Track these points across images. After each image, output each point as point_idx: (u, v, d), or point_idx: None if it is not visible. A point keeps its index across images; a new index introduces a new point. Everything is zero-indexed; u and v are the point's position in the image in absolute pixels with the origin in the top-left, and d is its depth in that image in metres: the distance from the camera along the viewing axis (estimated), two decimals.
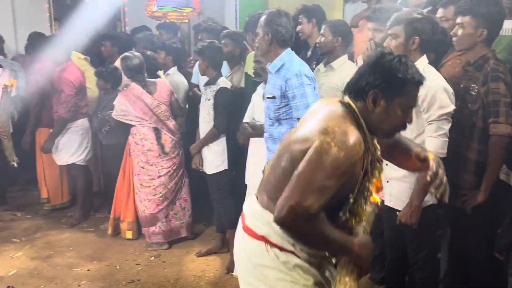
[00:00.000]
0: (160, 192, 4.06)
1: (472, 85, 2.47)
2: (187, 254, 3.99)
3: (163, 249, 4.04)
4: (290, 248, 1.67)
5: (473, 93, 2.47)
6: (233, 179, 3.78)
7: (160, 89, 4.03)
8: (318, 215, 1.51)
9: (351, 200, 1.63)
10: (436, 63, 2.80)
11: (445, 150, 2.41)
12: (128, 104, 3.96)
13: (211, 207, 4.10)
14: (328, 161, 1.48)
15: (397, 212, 2.51)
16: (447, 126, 2.42)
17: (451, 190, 1.81)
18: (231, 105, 3.66)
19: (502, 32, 2.81)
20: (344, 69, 3.23)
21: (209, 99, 3.70)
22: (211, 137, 3.73)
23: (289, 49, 2.88)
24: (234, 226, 3.58)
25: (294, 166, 1.56)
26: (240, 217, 1.87)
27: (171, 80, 4.31)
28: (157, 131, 4.01)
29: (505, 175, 2.46)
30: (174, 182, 4.09)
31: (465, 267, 2.71)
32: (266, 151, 3.18)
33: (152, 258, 3.93)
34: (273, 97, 2.83)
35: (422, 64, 2.50)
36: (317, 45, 3.49)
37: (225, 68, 4.02)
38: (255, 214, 1.75)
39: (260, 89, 3.44)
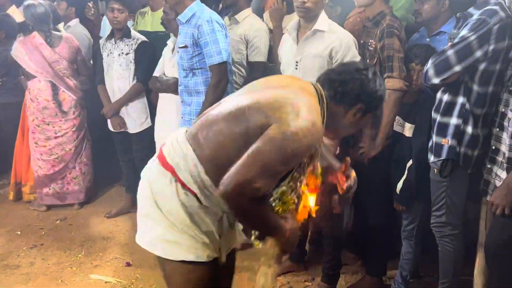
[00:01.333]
0: (57, 153, 3.85)
1: (370, 41, 2.55)
2: (96, 215, 3.86)
3: (40, 210, 3.90)
4: (195, 190, 1.57)
5: (371, 48, 2.55)
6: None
7: (65, 44, 3.75)
8: (264, 197, 1.50)
9: (284, 188, 1.58)
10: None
11: None
12: (25, 53, 3.67)
13: (115, 167, 3.97)
14: (291, 147, 1.43)
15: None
16: None
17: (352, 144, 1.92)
18: (153, 60, 3.53)
19: None
20: (248, 22, 3.19)
21: (126, 53, 3.50)
22: (135, 93, 3.57)
23: (198, 0, 2.83)
24: None
25: (247, 136, 1.48)
26: (160, 146, 1.75)
27: (72, 33, 4.02)
28: (54, 88, 3.75)
29: (400, 126, 2.59)
30: (73, 145, 3.88)
31: (365, 217, 2.87)
32: (177, 106, 3.13)
33: (58, 221, 3.77)
34: (185, 46, 2.79)
35: (327, 20, 2.53)
36: None
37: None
38: (174, 144, 1.63)
39: (170, 43, 3.32)
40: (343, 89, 1.60)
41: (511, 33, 2.13)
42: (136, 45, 3.49)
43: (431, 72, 2.21)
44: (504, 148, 2.17)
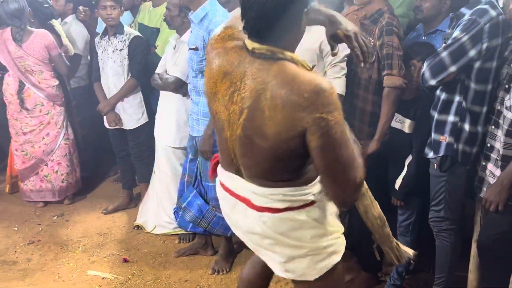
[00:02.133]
0: (26, 150, 3.84)
1: (368, 38, 2.56)
2: (93, 211, 3.87)
3: (38, 206, 3.91)
4: (311, 198, 1.55)
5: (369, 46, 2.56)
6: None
7: (34, 40, 3.63)
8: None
9: None
10: None
11: (345, 89, 2.60)
12: None
13: (111, 164, 3.98)
14: (340, 131, 1.32)
15: None
16: (345, 67, 2.57)
17: None
18: (148, 55, 3.53)
19: None
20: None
21: (120, 50, 3.49)
22: (130, 89, 3.55)
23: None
24: (147, 180, 3.59)
25: (290, 150, 1.39)
26: (234, 199, 1.65)
27: (68, 29, 4.01)
28: (21, 83, 3.71)
29: (399, 123, 2.61)
30: (43, 142, 3.82)
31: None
32: (176, 104, 3.20)
33: (55, 217, 3.77)
34: (196, 48, 2.73)
35: None
36: None
37: (128, 17, 3.84)
38: (267, 195, 1.55)
39: (172, 40, 3.31)
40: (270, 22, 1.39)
41: (504, 30, 2.16)
42: (129, 40, 3.47)
43: (427, 74, 2.24)
44: (498, 145, 2.19)
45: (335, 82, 2.54)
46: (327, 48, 2.51)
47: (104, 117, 3.65)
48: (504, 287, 2.25)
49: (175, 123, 3.26)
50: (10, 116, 3.78)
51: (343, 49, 2.49)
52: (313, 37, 2.53)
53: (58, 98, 3.81)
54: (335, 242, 1.66)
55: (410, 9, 3.02)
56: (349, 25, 1.61)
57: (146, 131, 3.64)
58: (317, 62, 2.54)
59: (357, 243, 3.03)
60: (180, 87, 3.19)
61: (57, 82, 3.79)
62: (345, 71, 2.56)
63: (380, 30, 2.50)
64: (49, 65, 3.74)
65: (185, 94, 3.19)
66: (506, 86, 2.14)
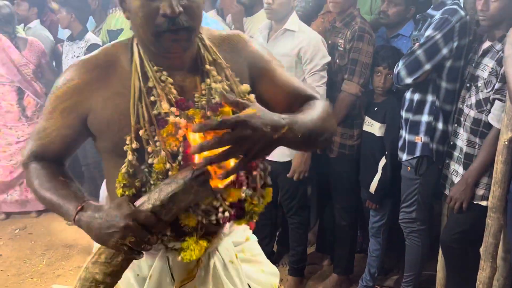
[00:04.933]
0: (17, 159, 3.71)
1: (340, 41, 2.59)
2: (57, 223, 3.73)
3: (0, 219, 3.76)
4: None
5: (341, 48, 2.59)
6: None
7: (31, 47, 3.64)
8: (28, 164, 1.23)
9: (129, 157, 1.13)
10: None
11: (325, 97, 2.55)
12: None
13: (80, 173, 3.85)
14: (48, 99, 1.21)
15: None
16: (326, 75, 2.55)
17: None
18: None
19: None
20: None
21: (77, 56, 3.41)
22: None
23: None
24: None
25: None
26: None
27: (33, 34, 3.90)
28: (20, 92, 3.62)
29: (369, 126, 2.64)
30: None
31: (332, 216, 2.90)
32: None
33: (17, 230, 3.62)
34: None
35: (297, 21, 2.56)
36: None
37: (90, 23, 3.75)
38: None
39: None
40: None
41: (470, 30, 2.24)
42: (86, 48, 3.41)
43: (403, 73, 2.28)
44: (460, 143, 2.25)
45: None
46: (306, 55, 2.51)
47: None
48: (468, 285, 2.31)
49: None
50: (2, 126, 3.65)
51: (323, 57, 2.52)
52: (292, 43, 2.54)
53: None
54: None
55: (371, 13, 3.07)
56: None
57: None
58: (295, 68, 2.53)
59: (328, 246, 3.05)
60: None
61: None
62: (325, 79, 2.54)
63: (352, 34, 2.53)
64: (40, 71, 3.72)
65: None
66: (468, 85, 2.22)
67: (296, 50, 2.52)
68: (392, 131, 2.52)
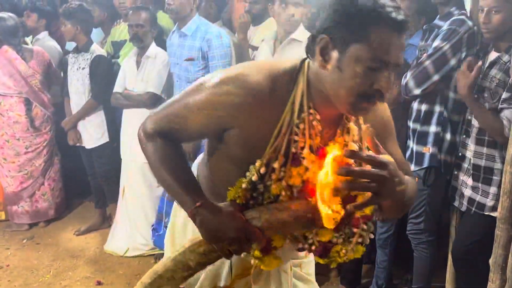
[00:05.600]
0: (26, 170, 3.73)
1: None
2: (65, 233, 3.74)
3: (22, 230, 3.75)
4: None
5: None
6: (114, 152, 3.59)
7: (37, 57, 3.66)
8: (155, 136, 1.24)
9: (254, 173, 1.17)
10: None
11: None
12: None
13: (86, 183, 3.87)
14: (197, 92, 1.19)
15: None
16: None
17: None
18: (110, 75, 3.45)
19: None
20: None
21: (83, 68, 3.44)
22: (89, 109, 3.49)
23: (197, 14, 2.97)
24: (116, 200, 3.51)
25: None
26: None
27: (41, 46, 3.92)
28: (27, 103, 3.65)
29: None
30: (43, 160, 3.77)
31: None
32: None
33: (24, 240, 3.63)
34: (192, 59, 2.87)
35: (304, 31, 2.58)
36: None
37: (98, 34, 3.78)
38: None
39: (133, 56, 3.27)
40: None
41: (477, 40, 2.24)
42: (91, 60, 3.42)
43: (411, 84, 2.28)
44: (469, 154, 2.23)
45: None
46: None
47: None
48: None
49: None
50: (10, 137, 3.66)
51: None
52: (298, 52, 2.52)
53: (54, 115, 3.80)
54: None
55: None
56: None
57: (109, 150, 3.58)
58: None
59: None
60: (157, 101, 3.16)
61: (58, 98, 3.81)
62: None
63: None
64: (47, 82, 3.75)
65: None
66: (475, 96, 2.19)
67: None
68: (400, 142, 2.49)
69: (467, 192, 2.25)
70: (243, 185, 1.17)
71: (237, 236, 1.11)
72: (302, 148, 1.15)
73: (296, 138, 1.15)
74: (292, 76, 1.17)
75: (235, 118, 1.15)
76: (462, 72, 2.14)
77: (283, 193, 1.17)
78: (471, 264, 2.30)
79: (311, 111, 1.15)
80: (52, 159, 3.85)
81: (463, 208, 2.29)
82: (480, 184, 2.21)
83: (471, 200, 2.25)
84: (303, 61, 1.18)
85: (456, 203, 2.33)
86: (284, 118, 1.15)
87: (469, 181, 2.23)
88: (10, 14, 3.59)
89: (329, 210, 1.09)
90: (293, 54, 2.55)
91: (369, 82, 1.05)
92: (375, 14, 1.03)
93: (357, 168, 1.03)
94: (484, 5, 2.07)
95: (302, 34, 2.58)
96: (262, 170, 1.16)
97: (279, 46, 2.62)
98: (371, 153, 1.05)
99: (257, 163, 1.17)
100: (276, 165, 1.15)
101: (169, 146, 1.24)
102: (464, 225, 2.29)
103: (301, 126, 1.15)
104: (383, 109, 1.30)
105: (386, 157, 1.04)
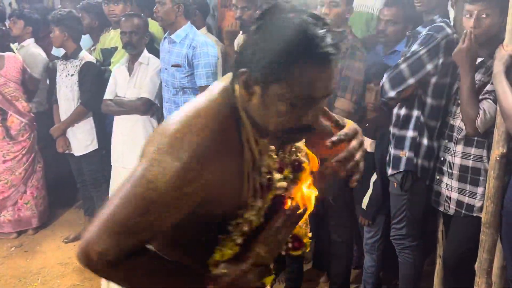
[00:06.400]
0: (6, 178, 3.69)
1: None
2: (53, 241, 3.72)
3: (10, 238, 3.72)
4: None
5: None
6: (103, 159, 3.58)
7: (9, 64, 3.58)
8: (124, 260, 1.01)
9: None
10: None
11: None
12: None
13: (74, 190, 3.85)
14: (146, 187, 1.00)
15: None
16: None
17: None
18: (99, 81, 3.44)
19: (361, 8, 3.03)
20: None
21: (72, 75, 3.44)
22: (78, 116, 3.48)
23: (189, 22, 3.01)
24: None
25: None
26: None
27: (26, 53, 3.90)
28: (2, 112, 3.60)
29: None
30: (23, 168, 3.72)
31: (328, 233, 2.89)
32: (149, 123, 3.26)
33: (13, 248, 3.60)
34: (178, 66, 2.92)
35: None
36: None
37: (87, 41, 3.78)
38: None
39: (125, 63, 3.27)
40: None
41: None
42: (80, 66, 3.41)
43: (387, 86, 2.30)
44: (452, 158, 2.25)
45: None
46: None
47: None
48: None
49: (132, 146, 3.19)
50: None
51: None
52: None
53: (33, 123, 3.74)
54: None
55: (368, 30, 3.10)
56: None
57: (98, 156, 3.56)
58: None
59: (325, 263, 3.04)
60: (150, 107, 3.15)
61: (32, 106, 3.75)
62: None
63: (343, 52, 2.55)
64: (22, 88, 3.68)
65: (153, 114, 3.24)
66: (459, 101, 2.22)
67: None
68: (382, 147, 2.52)
69: (454, 195, 2.27)
70: (238, 241, 1.11)
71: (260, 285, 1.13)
72: (270, 179, 1.13)
73: (264, 170, 1.12)
74: (232, 113, 1.06)
75: (199, 191, 1.01)
76: (461, 42, 2.11)
77: (262, 219, 1.14)
78: (464, 271, 2.31)
79: (262, 142, 1.10)
80: (33, 166, 3.79)
81: (451, 212, 2.30)
82: (468, 185, 2.23)
83: (459, 203, 2.26)
84: (232, 88, 1.07)
85: (441, 208, 2.35)
86: (247, 165, 1.07)
87: (455, 184, 2.25)
88: None
89: (310, 190, 1.14)
90: None
91: (295, 118, 1.02)
92: (300, 49, 0.95)
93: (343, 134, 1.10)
94: (472, 10, 2.08)
95: None
96: (246, 229, 1.11)
97: None
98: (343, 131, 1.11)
99: (246, 214, 1.10)
100: (260, 203, 1.12)
101: (147, 256, 1.05)
102: (454, 230, 2.31)
103: (265, 165, 1.12)
104: None
105: (348, 123, 1.15)
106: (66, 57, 3.50)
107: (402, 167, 2.37)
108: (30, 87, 3.76)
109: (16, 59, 3.65)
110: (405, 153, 2.36)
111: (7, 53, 3.65)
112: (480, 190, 2.19)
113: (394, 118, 2.43)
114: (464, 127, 2.19)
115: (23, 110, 3.67)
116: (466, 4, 2.13)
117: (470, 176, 2.22)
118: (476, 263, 2.21)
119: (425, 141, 2.34)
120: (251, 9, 3.06)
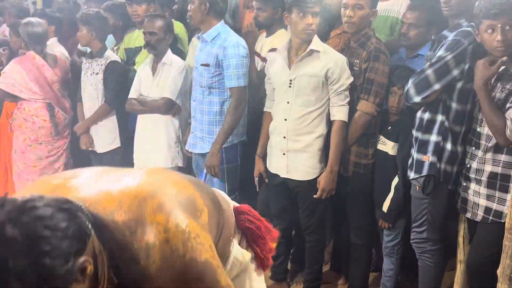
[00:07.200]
0: (47, 173, 3.76)
1: (355, 61, 2.62)
2: None
3: None
4: None
5: (356, 68, 2.63)
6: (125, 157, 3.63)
7: (60, 64, 3.72)
8: None
9: None
10: None
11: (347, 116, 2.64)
12: (24, 73, 3.58)
13: None
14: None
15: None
16: (349, 94, 2.62)
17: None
18: (123, 80, 3.50)
19: (387, 13, 3.03)
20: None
21: (96, 73, 3.50)
22: (102, 114, 3.54)
23: (223, 21, 2.95)
24: None
25: None
26: None
27: (50, 52, 3.98)
28: (51, 108, 3.69)
29: (382, 144, 2.66)
30: (62, 163, 3.79)
31: (347, 235, 2.89)
32: (171, 123, 3.26)
33: None
34: (207, 65, 2.88)
35: (320, 41, 2.63)
36: None
37: (110, 41, 3.85)
38: None
39: (149, 63, 3.32)
40: None
41: (484, 53, 2.24)
42: (105, 65, 3.47)
43: (412, 91, 2.30)
44: (478, 165, 2.23)
45: (338, 110, 2.60)
46: (333, 75, 2.55)
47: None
48: None
49: (166, 143, 3.24)
50: (32, 141, 3.68)
51: (348, 77, 2.59)
52: (320, 64, 2.58)
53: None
54: None
55: (392, 34, 3.10)
56: None
57: (120, 155, 3.60)
58: (321, 88, 2.58)
59: (343, 265, 3.04)
60: (172, 107, 3.19)
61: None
62: (349, 99, 2.60)
63: (368, 54, 2.56)
64: (67, 88, 3.79)
65: (175, 114, 3.23)
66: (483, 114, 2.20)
67: (324, 71, 2.57)
68: (404, 150, 2.52)
69: (482, 201, 2.25)
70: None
71: None
72: None
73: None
74: None
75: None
76: (483, 63, 2.11)
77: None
78: (487, 276, 2.28)
79: None
80: (69, 162, 3.88)
81: (478, 218, 2.28)
82: (497, 192, 2.20)
83: (487, 209, 2.23)
84: None
85: (468, 215, 2.32)
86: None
87: (483, 190, 2.23)
88: (40, 20, 3.61)
89: None
90: (314, 65, 2.59)
91: None
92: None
93: None
94: (495, 24, 2.03)
95: (319, 44, 2.62)
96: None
97: (298, 58, 2.63)
98: None
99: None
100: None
101: None
102: (480, 235, 2.29)
103: None
104: None
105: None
106: (91, 56, 3.56)
107: (425, 171, 2.36)
108: (70, 88, 3.82)
109: (65, 60, 3.77)
110: (428, 158, 2.36)
111: (58, 54, 3.76)
112: (510, 196, 2.17)
113: (417, 121, 2.43)
114: (489, 133, 2.18)
115: (68, 108, 3.77)
116: (486, 20, 2.06)
117: (499, 182, 2.19)
118: (499, 268, 2.19)
119: (448, 146, 2.33)
120: (267, 11, 3.08)
